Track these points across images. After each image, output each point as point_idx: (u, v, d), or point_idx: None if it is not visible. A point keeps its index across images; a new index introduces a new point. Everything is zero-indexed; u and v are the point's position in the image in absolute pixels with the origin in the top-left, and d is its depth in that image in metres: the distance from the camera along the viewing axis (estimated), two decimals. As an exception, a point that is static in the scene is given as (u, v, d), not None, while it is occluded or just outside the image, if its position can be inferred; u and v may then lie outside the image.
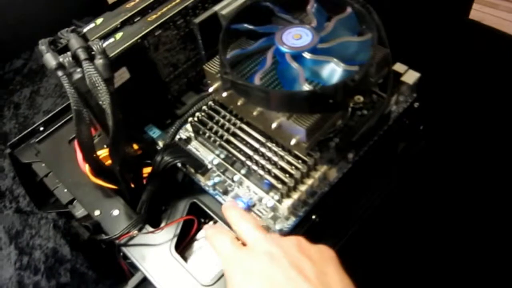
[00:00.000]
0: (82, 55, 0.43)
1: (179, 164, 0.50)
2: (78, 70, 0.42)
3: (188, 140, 0.53)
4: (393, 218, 0.60)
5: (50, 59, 0.42)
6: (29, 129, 0.59)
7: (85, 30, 0.48)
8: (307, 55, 0.42)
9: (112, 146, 0.43)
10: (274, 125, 0.43)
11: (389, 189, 0.57)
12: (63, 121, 0.59)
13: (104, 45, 0.47)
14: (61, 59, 0.42)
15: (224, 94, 0.46)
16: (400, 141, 0.58)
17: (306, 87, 0.40)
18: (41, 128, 0.59)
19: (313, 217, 0.47)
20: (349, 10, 0.46)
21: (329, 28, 0.44)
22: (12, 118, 0.80)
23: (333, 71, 0.42)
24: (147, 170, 0.51)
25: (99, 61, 0.43)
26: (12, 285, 0.60)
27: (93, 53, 0.43)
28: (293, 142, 0.42)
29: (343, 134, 0.48)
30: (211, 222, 0.49)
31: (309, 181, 0.46)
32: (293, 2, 0.49)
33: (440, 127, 0.65)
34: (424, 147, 0.61)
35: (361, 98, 0.50)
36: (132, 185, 0.49)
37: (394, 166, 0.59)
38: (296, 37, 0.44)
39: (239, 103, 0.44)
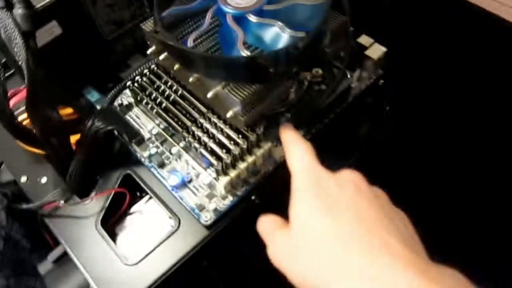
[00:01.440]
0: (-2, 2, 0.38)
1: (115, 132, 0.46)
2: (-8, 20, 0.38)
3: (129, 107, 0.49)
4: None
5: (-39, 6, 0.38)
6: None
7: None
8: (251, 17, 0.38)
9: (28, 109, 0.39)
10: (209, 95, 0.38)
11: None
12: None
13: (33, -7, 0.42)
14: (-26, 6, 0.38)
15: (161, 57, 0.41)
16: (362, 123, 0.54)
17: (244, 53, 0.36)
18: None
19: (253, 197, 0.43)
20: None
21: (279, -13, 0.40)
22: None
23: (278, 37, 0.37)
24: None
25: (17, 11, 0.38)
26: None
27: (13, 1, 0.39)
28: (229, 114, 0.38)
29: (295, 109, 0.44)
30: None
31: (250, 159, 0.42)
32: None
33: (410, 110, 0.61)
34: (390, 131, 0.57)
35: (319, 71, 0.46)
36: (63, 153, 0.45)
37: (355, 150, 0.55)
38: (238, -4, 0.39)
39: (175, 68, 0.40)
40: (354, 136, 0.54)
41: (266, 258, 0.32)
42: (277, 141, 0.43)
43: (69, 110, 0.48)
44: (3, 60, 0.41)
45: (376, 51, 0.48)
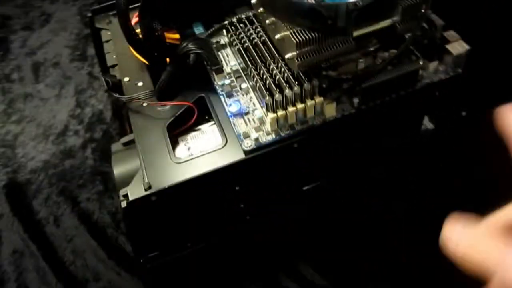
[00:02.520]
0: None
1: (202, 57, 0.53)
2: None
3: (224, 46, 0.56)
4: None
5: None
6: (111, 2, 0.67)
7: None
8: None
9: (139, 17, 0.48)
10: (277, 36, 0.44)
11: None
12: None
13: None
14: None
15: (260, 10, 0.47)
16: (430, 121, 0.54)
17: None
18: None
19: (295, 145, 0.47)
20: None
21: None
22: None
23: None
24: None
25: None
26: (59, 125, 0.71)
27: None
28: (287, 55, 0.43)
29: (356, 78, 0.47)
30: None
31: (300, 106, 0.46)
32: None
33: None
34: (464, 139, 0.56)
35: (394, 52, 0.48)
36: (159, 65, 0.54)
37: (414, 146, 0.56)
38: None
39: (267, 22, 0.46)
40: (414, 129, 0.55)
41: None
42: (332, 99, 0.47)
43: (174, 35, 0.57)
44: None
45: (458, 47, 0.49)
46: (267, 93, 0.46)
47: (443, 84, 0.50)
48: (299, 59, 0.43)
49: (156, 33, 0.51)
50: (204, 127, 0.54)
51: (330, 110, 0.48)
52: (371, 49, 0.49)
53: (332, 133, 0.49)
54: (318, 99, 0.46)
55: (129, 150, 0.51)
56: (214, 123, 0.52)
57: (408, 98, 0.49)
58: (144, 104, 0.54)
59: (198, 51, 0.51)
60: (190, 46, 0.51)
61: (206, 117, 0.54)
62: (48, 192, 0.63)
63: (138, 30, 0.55)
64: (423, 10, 0.44)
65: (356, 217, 0.57)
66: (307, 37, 0.41)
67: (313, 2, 0.40)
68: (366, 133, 0.51)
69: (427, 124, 0.57)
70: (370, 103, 0.48)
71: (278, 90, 0.46)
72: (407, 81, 0.48)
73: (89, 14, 0.67)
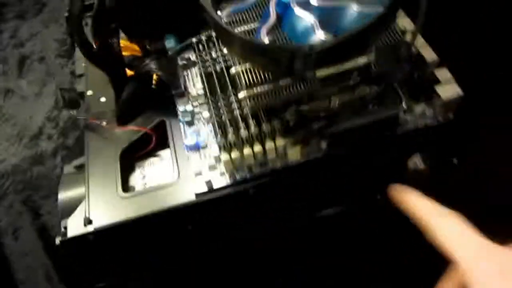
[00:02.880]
0: None
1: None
2: None
3: (194, 63, 0.51)
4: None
5: None
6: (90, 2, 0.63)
7: None
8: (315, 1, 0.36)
9: (92, 24, 0.44)
10: (232, 70, 0.38)
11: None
12: None
13: None
14: None
15: None
16: (417, 159, 0.48)
17: (265, 39, 0.35)
18: None
19: (250, 191, 0.42)
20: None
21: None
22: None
23: (308, 33, 0.35)
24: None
25: None
26: (34, 127, 0.68)
27: None
28: (240, 95, 0.38)
29: (328, 117, 0.42)
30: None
31: (257, 148, 0.41)
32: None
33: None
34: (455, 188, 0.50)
35: (374, 89, 0.42)
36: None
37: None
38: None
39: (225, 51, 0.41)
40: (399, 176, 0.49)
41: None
42: (298, 142, 0.42)
43: (136, 47, 0.52)
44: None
45: (448, 90, 0.42)
46: (220, 131, 0.41)
47: (430, 131, 0.44)
48: (251, 100, 0.37)
49: (113, 46, 0.46)
50: (164, 153, 0.49)
51: (294, 153, 0.42)
52: (350, 83, 0.43)
53: (294, 178, 0.43)
54: (279, 142, 0.41)
55: (79, 175, 0.48)
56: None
57: (386, 143, 0.43)
58: (103, 123, 0.50)
59: (158, 72, 0.47)
60: (151, 65, 0.47)
61: (167, 142, 0.50)
62: (11, 199, 0.61)
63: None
64: (401, 56, 0.37)
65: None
66: (260, 77, 0.36)
67: (268, 40, 0.35)
68: (335, 178, 0.45)
69: (418, 163, 0.50)
70: (341, 148, 0.43)
71: (232, 129, 0.41)
72: (385, 126, 0.42)
73: (66, 15, 0.63)
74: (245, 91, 0.37)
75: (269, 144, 0.41)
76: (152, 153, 0.49)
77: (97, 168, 0.46)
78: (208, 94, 0.44)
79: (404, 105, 0.42)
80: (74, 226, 0.42)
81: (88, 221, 0.42)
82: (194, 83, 0.49)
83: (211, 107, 0.43)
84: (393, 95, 0.43)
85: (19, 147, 0.66)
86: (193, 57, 0.51)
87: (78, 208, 0.44)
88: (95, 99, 0.52)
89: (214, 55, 0.47)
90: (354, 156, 0.43)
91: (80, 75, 0.56)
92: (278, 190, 0.43)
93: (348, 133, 0.42)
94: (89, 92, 0.53)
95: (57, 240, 0.42)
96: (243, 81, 0.36)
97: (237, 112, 0.41)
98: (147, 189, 0.44)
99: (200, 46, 0.48)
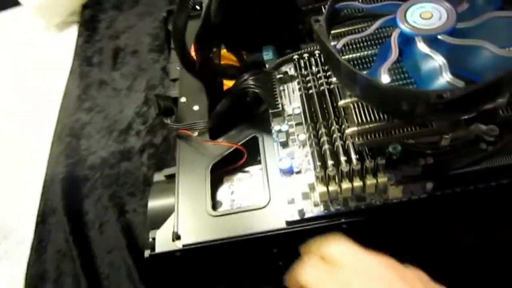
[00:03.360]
0: None
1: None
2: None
3: (292, 78, 0.49)
4: None
5: None
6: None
7: None
8: (419, 40, 0.33)
9: (195, 42, 0.43)
10: (340, 103, 0.36)
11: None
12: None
13: None
14: None
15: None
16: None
17: (384, 76, 0.32)
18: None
19: (344, 225, 0.40)
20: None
21: (476, 20, 0.33)
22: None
23: (435, 75, 0.32)
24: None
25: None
26: (124, 122, 0.70)
27: None
28: (348, 131, 0.35)
29: (437, 155, 0.38)
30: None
31: (357, 183, 0.39)
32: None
33: None
34: None
35: (495, 130, 0.38)
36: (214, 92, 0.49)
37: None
38: (424, 16, 0.34)
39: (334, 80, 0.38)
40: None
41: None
42: (401, 180, 0.39)
43: (233, 59, 0.51)
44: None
45: None
46: (320, 163, 0.39)
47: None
48: (360, 138, 0.35)
49: (213, 62, 0.46)
50: (254, 169, 0.48)
51: (395, 191, 0.39)
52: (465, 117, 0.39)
53: (392, 218, 0.40)
54: (381, 179, 0.38)
55: (168, 185, 0.48)
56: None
57: (499, 190, 0.39)
58: (195, 134, 0.49)
59: (256, 90, 0.45)
60: (249, 82, 0.45)
61: (258, 159, 0.49)
62: (100, 193, 0.63)
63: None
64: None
65: None
66: (373, 114, 0.33)
67: (384, 78, 0.32)
68: (438, 223, 0.42)
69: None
70: (448, 190, 0.39)
71: (333, 162, 0.38)
72: (503, 173, 0.38)
73: (164, 15, 0.63)
74: (356, 128, 0.34)
75: (370, 180, 0.38)
76: (241, 168, 0.49)
77: (187, 181, 0.46)
78: (307, 117, 0.42)
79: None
80: (163, 240, 0.43)
81: (177, 236, 0.42)
82: (291, 101, 0.47)
83: (311, 133, 0.41)
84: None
85: (109, 141, 0.68)
86: (291, 71, 0.50)
87: (167, 221, 0.44)
88: (188, 106, 0.52)
89: (315, 73, 0.44)
90: (461, 200, 0.40)
91: (174, 79, 0.56)
92: (373, 228, 0.41)
93: (457, 177, 0.38)
94: (183, 99, 0.53)
95: (146, 253, 0.42)
96: (354, 116, 0.34)
97: (339, 144, 0.39)
98: (237, 209, 0.43)
99: (302, 62, 0.46)
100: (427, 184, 0.39)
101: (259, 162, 0.48)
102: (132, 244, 0.57)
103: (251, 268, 0.47)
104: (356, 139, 0.35)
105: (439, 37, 0.32)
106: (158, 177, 0.49)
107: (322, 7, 0.41)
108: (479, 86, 0.28)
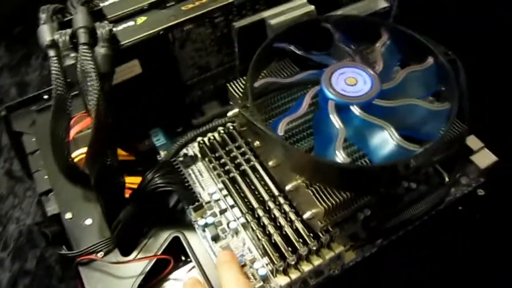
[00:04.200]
0: (82, 37, 0.34)
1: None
2: (73, 55, 0.34)
3: (194, 159, 0.44)
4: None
5: (44, 33, 0.35)
6: (31, 95, 0.52)
7: (104, 3, 0.40)
8: (356, 110, 0.32)
9: (88, 154, 0.35)
10: (288, 187, 0.33)
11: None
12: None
13: (121, 28, 0.39)
14: (56, 36, 0.34)
15: (243, 128, 0.36)
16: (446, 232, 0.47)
17: (341, 156, 0.30)
18: (45, 97, 0.52)
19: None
20: (430, 61, 0.35)
21: (397, 79, 0.34)
22: (37, 69, 0.74)
23: (384, 142, 0.31)
24: (136, 180, 0.43)
25: (100, 49, 0.35)
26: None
27: (97, 37, 0.35)
28: (306, 215, 0.33)
29: (377, 208, 0.38)
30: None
31: (317, 262, 0.36)
32: (362, 31, 0.38)
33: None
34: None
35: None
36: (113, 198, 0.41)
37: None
38: (350, 81, 0.33)
39: (255, 144, 0.35)
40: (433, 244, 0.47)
41: None
42: (349, 244, 0.38)
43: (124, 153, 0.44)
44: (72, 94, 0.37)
45: (484, 158, 0.41)
46: (276, 254, 0.35)
47: (467, 198, 0.42)
48: (324, 222, 0.32)
49: (113, 168, 0.38)
50: (182, 273, 0.42)
51: (349, 255, 0.38)
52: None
53: (352, 279, 0.39)
54: (338, 249, 0.37)
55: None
56: (193, 267, 0.41)
57: (432, 221, 0.41)
58: (99, 255, 0.40)
59: (168, 188, 0.39)
60: (158, 181, 0.39)
61: (183, 258, 0.42)
62: None
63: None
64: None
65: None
66: (337, 198, 0.31)
67: (340, 157, 0.30)
68: (387, 267, 0.42)
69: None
70: (393, 237, 0.40)
71: (290, 249, 0.35)
72: (433, 208, 0.40)
73: (3, 113, 0.51)
74: (318, 209, 0.31)
75: (327, 255, 0.36)
76: (167, 277, 0.42)
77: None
78: (241, 203, 0.38)
79: (448, 183, 0.40)
80: None
81: None
82: (203, 186, 0.42)
83: (253, 225, 0.37)
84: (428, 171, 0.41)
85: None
86: (190, 151, 0.45)
87: None
88: (77, 223, 0.42)
89: (231, 155, 0.40)
90: (406, 240, 0.40)
91: (48, 191, 0.45)
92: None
93: (400, 226, 0.39)
94: (68, 215, 0.43)
95: None
96: (313, 198, 0.31)
97: (287, 229, 0.36)
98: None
99: (208, 145, 0.42)
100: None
101: (186, 262, 0.42)
102: None
103: None
104: (319, 222, 0.32)
105: (374, 102, 0.32)
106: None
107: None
108: (435, 146, 0.29)
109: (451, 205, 0.42)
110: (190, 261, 0.41)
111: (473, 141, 0.42)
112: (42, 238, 0.40)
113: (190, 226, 0.41)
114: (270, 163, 0.34)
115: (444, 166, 0.41)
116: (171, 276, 0.42)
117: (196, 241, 0.41)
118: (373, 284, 0.42)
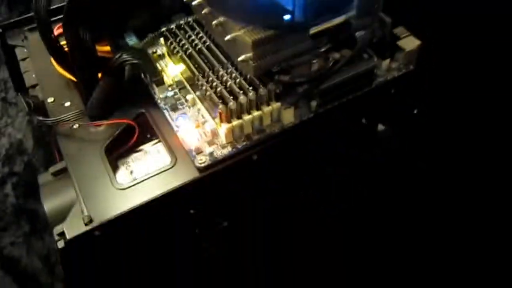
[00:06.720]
0: None
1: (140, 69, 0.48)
2: None
3: (161, 56, 0.51)
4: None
5: None
6: (25, 15, 0.59)
7: None
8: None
9: (64, 26, 0.42)
10: (227, 37, 0.39)
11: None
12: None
13: None
14: None
15: (204, 11, 0.43)
16: (384, 118, 0.52)
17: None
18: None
19: (254, 157, 0.43)
20: None
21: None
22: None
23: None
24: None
25: None
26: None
27: None
28: (240, 58, 0.39)
29: (311, 80, 0.44)
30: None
31: (256, 113, 0.42)
32: None
33: (444, 119, 0.58)
34: (416, 137, 0.55)
35: (348, 52, 0.45)
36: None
37: (373, 149, 0.54)
38: None
39: (214, 23, 0.42)
40: (373, 133, 0.53)
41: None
42: (289, 104, 0.43)
43: (105, 48, 0.51)
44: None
45: (409, 43, 0.47)
46: (220, 101, 0.41)
47: (397, 81, 0.48)
48: (254, 61, 0.38)
49: (85, 44, 0.45)
50: (147, 147, 0.47)
51: (288, 116, 0.44)
52: (322, 49, 0.46)
53: (292, 141, 0.45)
54: (275, 105, 0.43)
55: (61, 180, 0.44)
56: (159, 141, 0.47)
57: (365, 97, 0.47)
58: (75, 126, 0.47)
59: (135, 61, 0.45)
60: (125, 56, 0.45)
61: (149, 136, 0.48)
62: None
63: (63, 42, 0.49)
64: (376, 6, 0.41)
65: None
66: (263, 35, 0.37)
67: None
68: (326, 138, 0.47)
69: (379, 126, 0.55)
70: (328, 105, 0.45)
71: (231, 97, 0.41)
72: (363, 81, 0.46)
73: (-1, 31, 0.58)
74: (250, 53, 0.38)
75: (265, 109, 0.42)
76: (134, 149, 0.47)
77: (82, 168, 0.43)
78: (196, 72, 0.44)
79: (375, 59, 0.46)
80: (74, 228, 0.39)
81: (89, 219, 0.39)
82: (168, 73, 0.49)
83: (203, 83, 0.43)
84: (361, 55, 0.47)
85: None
86: (159, 50, 0.51)
87: (71, 213, 0.40)
88: (58, 105, 0.49)
89: (190, 39, 0.47)
90: (340, 112, 0.46)
91: (34, 85, 0.52)
92: (278, 154, 0.44)
93: (332, 90, 0.45)
94: (50, 99, 0.49)
95: (60, 245, 0.38)
96: (246, 42, 0.37)
97: (231, 82, 0.42)
98: (145, 176, 0.42)
99: (172, 35, 0.49)
100: (311, 103, 0.44)
101: (151, 140, 0.48)
102: (20, 277, 0.50)
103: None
104: (251, 62, 0.38)
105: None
106: (44, 178, 0.45)
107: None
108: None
109: (385, 86, 0.48)
110: (155, 138, 0.48)
111: (400, 30, 0.48)
112: (25, 105, 0.46)
113: (154, 105, 0.48)
114: (214, 23, 0.40)
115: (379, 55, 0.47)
116: (138, 148, 0.48)
117: (158, 116, 0.47)
118: (311, 149, 0.47)
